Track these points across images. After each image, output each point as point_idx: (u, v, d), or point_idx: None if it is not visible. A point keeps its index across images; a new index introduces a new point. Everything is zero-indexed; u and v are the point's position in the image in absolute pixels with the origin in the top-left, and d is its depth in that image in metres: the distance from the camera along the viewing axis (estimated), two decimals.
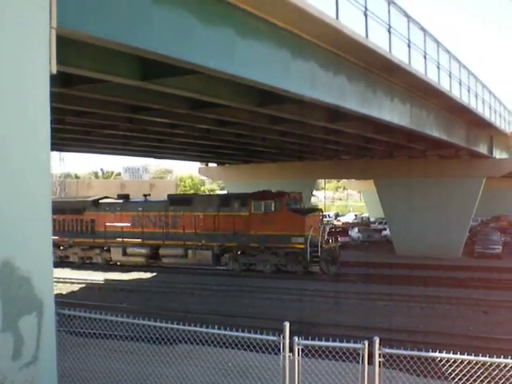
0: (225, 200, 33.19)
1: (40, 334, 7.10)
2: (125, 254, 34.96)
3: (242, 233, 31.45)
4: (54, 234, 36.58)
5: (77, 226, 37.07)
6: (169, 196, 35.50)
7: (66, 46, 10.83)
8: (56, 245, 36.42)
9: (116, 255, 35.40)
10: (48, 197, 7.51)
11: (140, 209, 34.90)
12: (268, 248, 30.97)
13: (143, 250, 34.34)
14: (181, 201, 34.72)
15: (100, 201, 37.37)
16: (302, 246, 29.75)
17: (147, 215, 34.50)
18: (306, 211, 31.57)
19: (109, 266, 34.90)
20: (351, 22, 16.20)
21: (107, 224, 35.49)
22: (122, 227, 34.96)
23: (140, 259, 34.52)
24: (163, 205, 34.49)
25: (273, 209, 30.90)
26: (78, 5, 9.47)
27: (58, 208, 36.67)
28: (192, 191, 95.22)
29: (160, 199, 36.95)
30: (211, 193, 32.01)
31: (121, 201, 36.75)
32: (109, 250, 35.85)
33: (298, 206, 31.95)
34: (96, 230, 36.16)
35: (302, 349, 7.18)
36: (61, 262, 36.03)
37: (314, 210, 33.32)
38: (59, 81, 15.47)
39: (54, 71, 7.34)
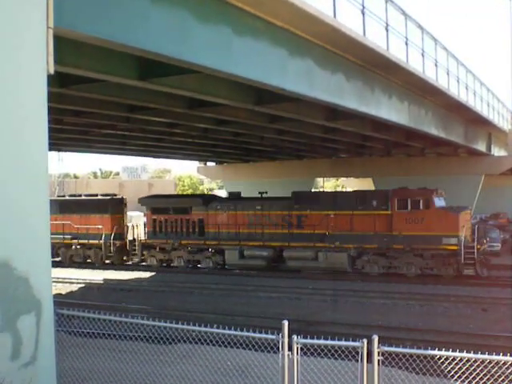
0: (360, 198, 30.23)
1: (39, 333, 7.09)
2: (242, 256, 31.75)
3: (383, 233, 28.72)
4: (155, 237, 33.54)
5: (182, 226, 33.63)
6: (293, 194, 32.32)
7: (64, 45, 10.84)
8: (154, 247, 34.44)
9: (231, 258, 32.12)
10: (46, 197, 7.50)
11: (258, 207, 31.92)
12: (413, 249, 28.31)
13: (264, 253, 31.27)
14: (307, 198, 31.85)
15: (210, 199, 34.53)
16: (455, 248, 27.47)
17: (267, 214, 31.55)
18: (457, 209, 28.85)
19: (106, 266, 34.72)
20: (349, 21, 16.21)
21: (220, 224, 32.51)
22: (237, 227, 31.98)
23: (260, 262, 31.44)
24: (287, 203, 31.55)
25: (421, 207, 28.19)
26: (75, 4, 9.46)
27: (160, 207, 34.59)
28: (191, 191, 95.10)
29: (282, 197, 33.63)
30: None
31: (234, 199, 34.13)
32: (220, 253, 32.58)
33: (444, 204, 29.46)
34: (205, 231, 32.94)
35: (301, 347, 7.17)
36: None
37: (465, 207, 29.90)
38: (57, 81, 15.48)
39: (52, 71, 7.33)
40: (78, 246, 35.47)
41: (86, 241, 35.16)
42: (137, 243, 34.67)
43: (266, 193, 33.33)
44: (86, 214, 35.36)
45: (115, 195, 38.86)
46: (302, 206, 30.98)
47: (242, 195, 35.45)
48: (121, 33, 10.79)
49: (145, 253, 34.58)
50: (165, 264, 34.14)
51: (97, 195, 38.42)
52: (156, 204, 35.43)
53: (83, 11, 9.78)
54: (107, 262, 35.00)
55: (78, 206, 36.00)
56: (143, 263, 34.74)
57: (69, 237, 35.23)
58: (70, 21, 9.33)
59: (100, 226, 34.56)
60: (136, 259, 35.05)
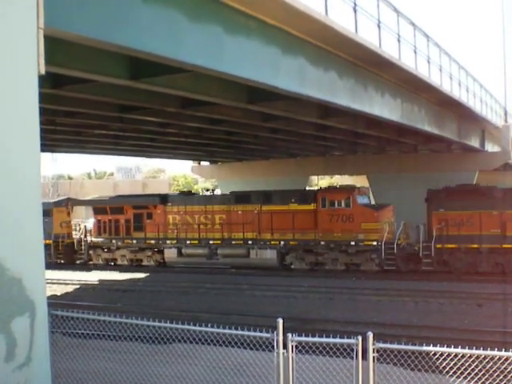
0: None
1: (33, 335, 7.06)
2: None
3: None
4: None
5: None
6: None
7: (55, 46, 10.82)
8: None
9: None
10: (38, 198, 7.47)
11: None
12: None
13: None
14: None
15: None
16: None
17: None
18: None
19: (102, 266, 34.58)
20: (340, 18, 16.22)
21: None
22: None
23: None
24: None
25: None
26: (66, 4, 9.44)
27: None
28: (186, 190, 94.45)
29: None
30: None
31: None
32: None
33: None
34: None
35: (296, 345, 7.17)
36: None
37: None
38: (49, 81, 15.44)
39: (43, 72, 7.30)
40: None
41: None
42: None
43: None
44: None
45: None
46: None
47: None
48: (112, 32, 10.76)
49: None
50: None
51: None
52: None
53: (74, 11, 9.75)
54: None
55: None
56: None
57: None
58: (61, 21, 9.31)
59: None
60: None
